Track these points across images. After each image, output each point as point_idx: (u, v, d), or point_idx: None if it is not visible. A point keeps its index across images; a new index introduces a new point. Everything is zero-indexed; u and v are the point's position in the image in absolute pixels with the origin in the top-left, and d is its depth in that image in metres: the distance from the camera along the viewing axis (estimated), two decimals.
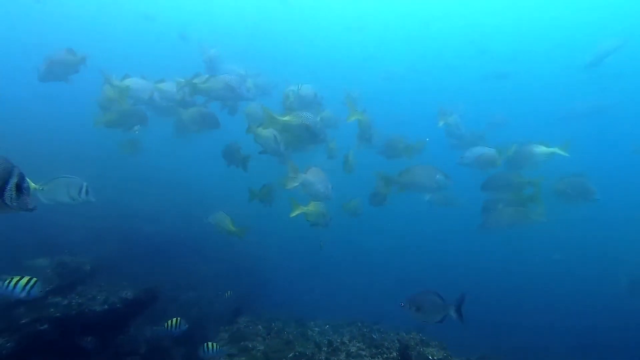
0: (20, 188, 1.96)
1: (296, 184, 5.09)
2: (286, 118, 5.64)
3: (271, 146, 6.07)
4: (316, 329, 5.85)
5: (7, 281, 3.49)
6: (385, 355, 4.41)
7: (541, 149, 5.87)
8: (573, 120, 13.72)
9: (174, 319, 4.62)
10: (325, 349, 4.69)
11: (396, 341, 4.78)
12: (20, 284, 3.50)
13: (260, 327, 5.47)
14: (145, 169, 10.20)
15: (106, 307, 4.78)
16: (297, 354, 4.67)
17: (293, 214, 5.23)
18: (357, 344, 4.74)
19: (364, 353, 4.47)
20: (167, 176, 10.97)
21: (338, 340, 4.86)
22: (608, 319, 9.67)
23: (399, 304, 3.67)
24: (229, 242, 9.69)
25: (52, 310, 4.49)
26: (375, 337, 5.59)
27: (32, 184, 3.57)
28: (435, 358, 4.56)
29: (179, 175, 11.69)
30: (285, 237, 10.89)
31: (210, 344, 4.14)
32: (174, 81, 6.26)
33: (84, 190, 3.85)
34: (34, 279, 3.57)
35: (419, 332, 5.26)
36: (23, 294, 3.53)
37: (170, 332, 4.59)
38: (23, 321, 4.34)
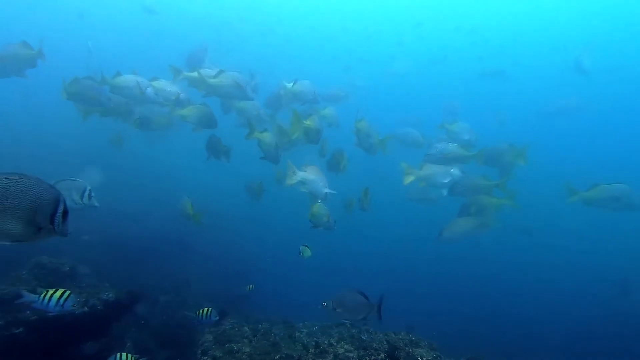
0: (65, 215, 2.06)
1: (295, 182, 5.09)
2: (308, 122, 5.68)
3: (272, 152, 6.08)
4: (304, 330, 5.72)
5: (43, 295, 3.38)
6: (373, 357, 4.31)
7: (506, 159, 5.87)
8: (552, 117, 13.67)
9: (206, 309, 4.49)
10: (313, 350, 4.58)
11: (385, 342, 4.68)
12: (54, 297, 3.39)
13: (246, 328, 5.34)
14: (132, 166, 10.01)
15: (86, 309, 4.61)
16: (284, 356, 4.55)
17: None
18: (345, 345, 4.63)
19: (351, 355, 4.37)
20: (155, 174, 10.76)
21: (326, 342, 4.75)
22: (599, 320, 9.67)
23: (320, 304, 3.78)
24: (217, 242, 9.58)
25: (28, 312, 4.31)
26: (364, 337, 5.48)
27: None
28: (424, 359, 4.47)
29: (166, 174, 11.49)
30: (275, 237, 10.78)
31: (122, 354, 3.85)
32: (169, 78, 6.15)
33: (87, 194, 3.71)
34: (67, 292, 3.45)
35: (409, 332, 5.17)
36: (57, 309, 3.43)
37: (200, 320, 4.44)
38: None
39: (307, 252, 5.15)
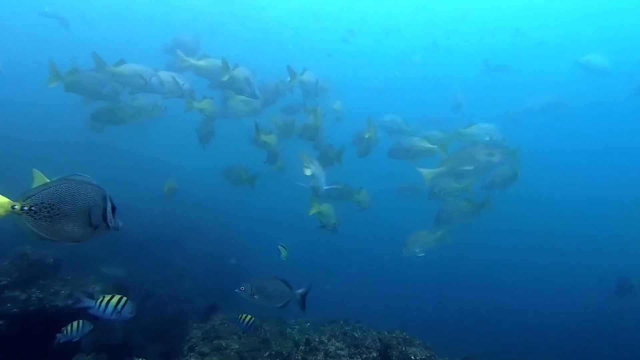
0: (114, 210, 2.20)
1: (309, 174, 5.02)
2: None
3: (274, 154, 6.07)
4: (296, 327, 5.60)
5: (100, 300, 3.35)
6: (364, 355, 4.17)
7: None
8: (535, 115, 13.18)
9: (247, 316, 4.24)
10: (303, 347, 4.45)
11: (377, 340, 4.55)
12: (112, 304, 3.35)
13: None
14: (123, 156, 9.83)
15: (70, 302, 4.48)
16: (273, 353, 4.42)
17: (311, 212, 5.15)
18: (337, 343, 4.50)
19: (342, 353, 4.23)
20: (149, 169, 10.55)
21: (317, 339, 4.62)
22: (595, 319, 9.52)
23: (237, 288, 3.66)
24: (211, 237, 9.44)
25: (9, 305, 4.19)
26: (357, 335, 5.36)
27: (47, 180, 3.43)
28: (417, 358, 4.34)
29: (159, 164, 11.27)
30: (270, 231, 10.65)
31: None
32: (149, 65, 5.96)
33: None
34: (124, 299, 3.40)
35: (403, 330, 5.04)
36: (114, 316, 3.37)
37: (239, 324, 4.25)
38: None
39: (284, 253, 4.98)
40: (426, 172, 5.56)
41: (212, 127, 6.71)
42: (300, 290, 3.78)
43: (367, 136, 6.24)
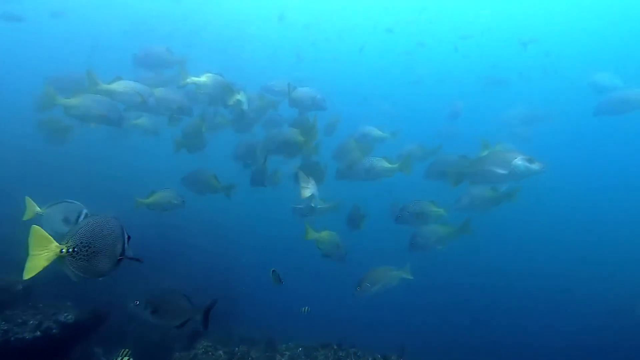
0: (128, 240, 2.27)
1: (308, 194, 4.78)
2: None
3: (263, 175, 5.96)
4: (286, 352, 5.26)
5: None
6: None
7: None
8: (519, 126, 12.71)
9: None
10: None
11: None
12: None
13: (221, 352, 4.86)
14: (105, 170, 9.51)
15: (38, 333, 4.14)
16: None
17: (307, 238, 4.94)
18: None
19: None
20: (130, 179, 10.15)
21: None
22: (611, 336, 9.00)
23: (133, 303, 3.44)
24: (201, 251, 9.11)
25: None
26: None
27: (38, 208, 3.48)
28: None
29: (143, 179, 10.93)
30: (263, 250, 10.34)
31: None
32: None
33: (82, 217, 3.48)
34: None
35: (400, 356, 4.74)
36: None
37: None
38: None
39: (277, 279, 4.63)
40: (455, 171, 5.05)
41: (204, 140, 6.52)
42: (202, 308, 3.45)
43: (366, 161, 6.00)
